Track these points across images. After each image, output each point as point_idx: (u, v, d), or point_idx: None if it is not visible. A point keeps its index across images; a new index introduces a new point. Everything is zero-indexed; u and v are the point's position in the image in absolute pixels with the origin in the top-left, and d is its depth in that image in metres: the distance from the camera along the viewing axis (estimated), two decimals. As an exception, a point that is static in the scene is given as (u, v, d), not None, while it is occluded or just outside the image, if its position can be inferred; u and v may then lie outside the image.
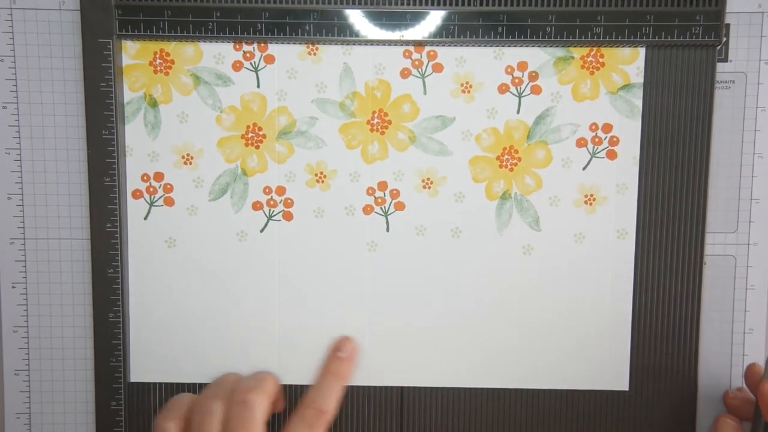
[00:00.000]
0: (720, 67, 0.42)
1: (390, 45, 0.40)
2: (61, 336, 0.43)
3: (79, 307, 0.43)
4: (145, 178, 0.41)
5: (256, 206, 0.41)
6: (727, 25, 0.41)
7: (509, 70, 0.40)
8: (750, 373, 0.42)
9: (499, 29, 0.40)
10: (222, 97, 0.40)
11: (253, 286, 0.41)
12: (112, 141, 0.41)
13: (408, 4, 0.40)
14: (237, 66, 0.40)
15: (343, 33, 0.40)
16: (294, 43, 0.40)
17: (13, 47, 0.41)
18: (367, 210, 0.41)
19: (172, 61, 0.40)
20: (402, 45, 0.40)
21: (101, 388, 0.42)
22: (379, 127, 0.41)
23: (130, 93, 0.40)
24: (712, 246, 0.43)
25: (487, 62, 0.40)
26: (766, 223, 0.43)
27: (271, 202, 0.41)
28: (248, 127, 0.40)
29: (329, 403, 0.40)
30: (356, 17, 0.40)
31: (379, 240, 0.41)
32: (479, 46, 0.41)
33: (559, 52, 0.40)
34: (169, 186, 0.41)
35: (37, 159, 0.42)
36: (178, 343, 0.42)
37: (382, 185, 0.41)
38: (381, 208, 0.41)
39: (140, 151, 0.41)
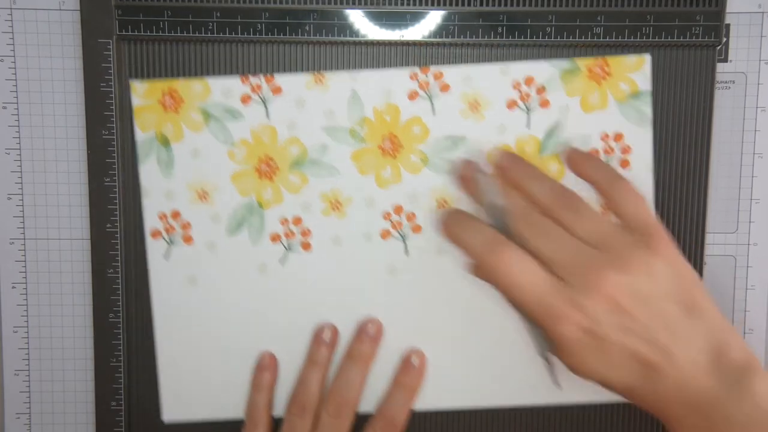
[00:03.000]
0: (720, 67, 0.42)
1: (396, 67, 0.40)
2: (61, 336, 0.43)
3: (79, 307, 0.43)
4: (162, 217, 0.41)
5: (274, 238, 0.41)
6: (727, 25, 0.41)
7: (516, 85, 0.40)
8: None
9: (499, 29, 0.40)
10: (233, 132, 0.40)
11: (277, 318, 0.41)
12: (112, 141, 0.41)
13: (408, 4, 0.40)
14: (245, 99, 0.40)
15: (343, 33, 0.40)
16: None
17: (13, 47, 0.41)
18: (385, 235, 0.41)
19: (181, 99, 0.40)
20: (408, 68, 0.40)
21: (101, 388, 0.42)
22: (390, 151, 0.40)
23: (141, 134, 0.40)
24: (712, 246, 0.43)
25: (494, 79, 0.40)
26: (766, 223, 0.43)
27: (289, 233, 0.41)
28: (260, 159, 0.40)
29: (401, 415, 0.40)
30: (356, 17, 0.40)
31: (399, 264, 0.41)
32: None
33: (565, 64, 0.40)
34: (186, 223, 0.41)
35: (37, 159, 0.42)
36: (208, 380, 0.41)
37: (398, 209, 0.41)
38: (398, 232, 0.41)
39: (156, 190, 0.41)
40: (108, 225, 0.41)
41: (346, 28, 0.40)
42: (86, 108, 0.41)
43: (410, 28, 0.40)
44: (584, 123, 0.40)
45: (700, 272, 0.42)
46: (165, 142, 0.40)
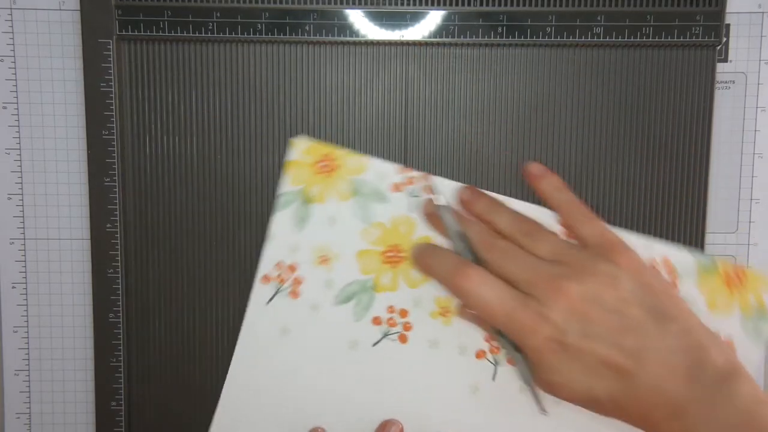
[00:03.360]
0: (720, 67, 0.42)
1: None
2: (61, 336, 0.43)
3: (79, 307, 0.43)
4: (279, 265, 0.41)
5: (376, 321, 0.41)
6: (727, 25, 0.41)
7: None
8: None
9: (499, 29, 0.40)
10: (374, 213, 0.40)
11: (348, 395, 0.41)
12: (112, 141, 0.41)
13: (408, 4, 0.40)
14: (396, 187, 0.40)
15: (343, 33, 0.40)
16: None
17: (13, 47, 0.41)
18: (480, 354, 0.41)
19: (336, 167, 0.40)
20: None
21: (101, 388, 0.42)
22: None
23: (289, 186, 0.40)
24: (712, 246, 0.43)
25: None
26: (766, 223, 0.43)
27: (391, 321, 0.41)
28: (391, 246, 0.40)
29: None
30: (356, 17, 0.40)
31: (482, 385, 0.41)
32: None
33: (706, 260, 0.40)
34: (299, 279, 0.41)
35: (37, 159, 0.42)
36: (262, 426, 0.41)
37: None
38: (493, 357, 0.41)
39: (282, 240, 0.41)
40: (108, 225, 0.41)
41: (346, 28, 0.40)
42: (86, 108, 0.41)
43: (410, 28, 0.40)
44: (704, 320, 0.38)
45: (700, 272, 0.42)
46: (308, 200, 0.40)
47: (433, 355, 0.41)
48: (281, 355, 0.41)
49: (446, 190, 0.40)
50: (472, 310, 0.38)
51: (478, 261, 0.37)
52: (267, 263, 0.41)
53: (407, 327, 0.41)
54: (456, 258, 0.37)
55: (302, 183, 0.40)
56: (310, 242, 0.41)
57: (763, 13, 0.41)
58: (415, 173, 0.40)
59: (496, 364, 0.41)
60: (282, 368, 0.41)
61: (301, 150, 0.40)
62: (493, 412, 0.41)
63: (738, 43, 0.42)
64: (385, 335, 0.41)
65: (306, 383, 0.41)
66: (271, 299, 0.41)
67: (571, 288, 0.35)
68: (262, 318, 0.41)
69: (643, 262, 0.37)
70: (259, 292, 0.41)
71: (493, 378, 0.41)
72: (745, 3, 0.41)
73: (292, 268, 0.41)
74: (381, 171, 0.40)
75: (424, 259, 0.39)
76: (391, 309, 0.41)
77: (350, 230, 0.40)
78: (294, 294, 0.41)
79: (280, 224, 0.41)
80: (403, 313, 0.41)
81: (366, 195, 0.40)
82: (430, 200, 0.40)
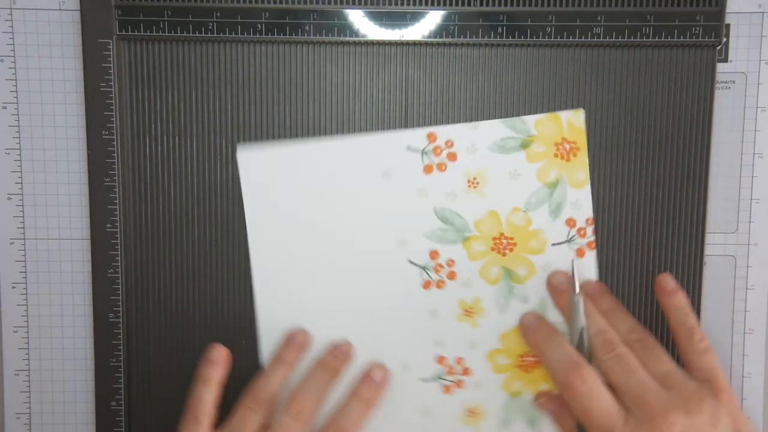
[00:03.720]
0: (720, 67, 0.42)
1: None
2: (61, 336, 0.43)
3: (79, 307, 0.43)
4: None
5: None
6: (727, 25, 0.41)
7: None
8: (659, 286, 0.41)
9: (499, 29, 0.40)
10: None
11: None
12: (112, 141, 0.41)
13: (408, 4, 0.40)
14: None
15: (343, 33, 0.40)
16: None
17: (13, 47, 0.41)
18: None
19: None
20: None
21: (101, 388, 0.42)
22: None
23: None
24: (712, 246, 0.43)
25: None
26: (766, 223, 0.43)
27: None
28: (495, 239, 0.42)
29: (353, 427, 0.40)
30: (356, 17, 0.40)
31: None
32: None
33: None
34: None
35: (37, 159, 0.42)
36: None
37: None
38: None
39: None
40: (108, 225, 0.41)
41: (346, 28, 0.40)
42: (86, 108, 0.41)
43: (410, 28, 0.40)
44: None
45: (700, 272, 0.42)
46: None
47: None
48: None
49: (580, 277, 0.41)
50: (570, 407, 0.38)
51: (588, 353, 0.38)
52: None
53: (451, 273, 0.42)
54: (573, 354, 0.38)
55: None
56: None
57: (763, 13, 0.41)
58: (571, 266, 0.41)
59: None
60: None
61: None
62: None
63: (738, 43, 0.42)
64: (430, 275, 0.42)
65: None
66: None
67: (678, 420, 0.35)
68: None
69: (738, 403, 0.39)
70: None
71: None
72: (745, 3, 0.41)
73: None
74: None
75: (537, 340, 0.40)
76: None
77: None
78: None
79: None
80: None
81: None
82: (567, 277, 0.41)
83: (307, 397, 0.40)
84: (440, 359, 0.42)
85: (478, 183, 0.41)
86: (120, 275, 0.42)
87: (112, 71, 0.40)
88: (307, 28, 0.40)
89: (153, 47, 0.41)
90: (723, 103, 0.42)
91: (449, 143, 0.41)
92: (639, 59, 0.41)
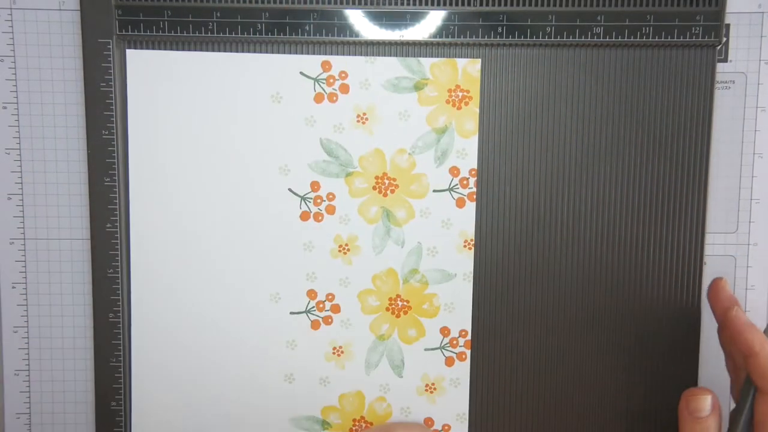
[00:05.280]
0: (720, 67, 0.42)
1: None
2: (61, 336, 0.43)
3: (79, 307, 0.43)
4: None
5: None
6: (727, 25, 0.41)
7: None
8: (714, 291, 0.40)
9: (499, 29, 0.40)
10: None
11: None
12: (112, 141, 0.41)
13: (408, 4, 0.40)
14: None
15: (343, 33, 0.40)
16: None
17: (13, 47, 0.41)
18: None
19: None
20: None
21: (101, 388, 0.42)
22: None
23: None
24: (712, 246, 0.43)
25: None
26: (766, 223, 0.43)
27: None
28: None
29: None
30: (356, 17, 0.40)
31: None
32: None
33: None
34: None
35: (37, 159, 0.42)
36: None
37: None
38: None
39: None
40: (108, 225, 0.41)
41: (346, 28, 0.40)
42: (86, 108, 0.41)
43: (410, 28, 0.40)
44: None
45: (700, 272, 0.42)
46: None
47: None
48: None
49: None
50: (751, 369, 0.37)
51: None
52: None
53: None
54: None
55: None
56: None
57: (763, 13, 0.41)
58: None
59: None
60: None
61: None
62: None
63: (738, 43, 0.42)
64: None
65: None
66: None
67: None
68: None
69: None
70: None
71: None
72: (745, 3, 0.41)
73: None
74: None
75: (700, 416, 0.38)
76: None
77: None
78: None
79: None
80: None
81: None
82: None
83: None
84: (311, 293, 0.42)
85: (367, 119, 0.41)
86: (120, 275, 0.42)
87: (112, 71, 0.40)
88: (307, 28, 0.40)
89: (153, 47, 0.41)
90: (723, 103, 0.42)
91: (343, 74, 0.41)
92: (639, 59, 0.41)
